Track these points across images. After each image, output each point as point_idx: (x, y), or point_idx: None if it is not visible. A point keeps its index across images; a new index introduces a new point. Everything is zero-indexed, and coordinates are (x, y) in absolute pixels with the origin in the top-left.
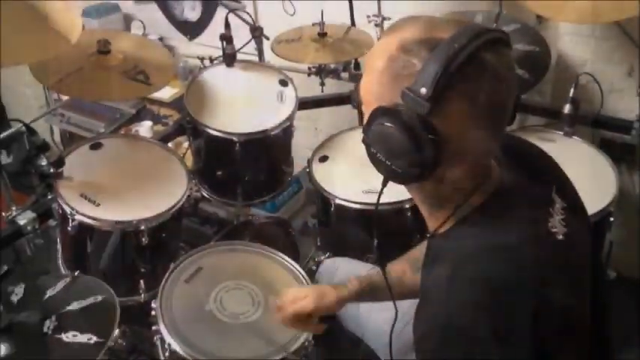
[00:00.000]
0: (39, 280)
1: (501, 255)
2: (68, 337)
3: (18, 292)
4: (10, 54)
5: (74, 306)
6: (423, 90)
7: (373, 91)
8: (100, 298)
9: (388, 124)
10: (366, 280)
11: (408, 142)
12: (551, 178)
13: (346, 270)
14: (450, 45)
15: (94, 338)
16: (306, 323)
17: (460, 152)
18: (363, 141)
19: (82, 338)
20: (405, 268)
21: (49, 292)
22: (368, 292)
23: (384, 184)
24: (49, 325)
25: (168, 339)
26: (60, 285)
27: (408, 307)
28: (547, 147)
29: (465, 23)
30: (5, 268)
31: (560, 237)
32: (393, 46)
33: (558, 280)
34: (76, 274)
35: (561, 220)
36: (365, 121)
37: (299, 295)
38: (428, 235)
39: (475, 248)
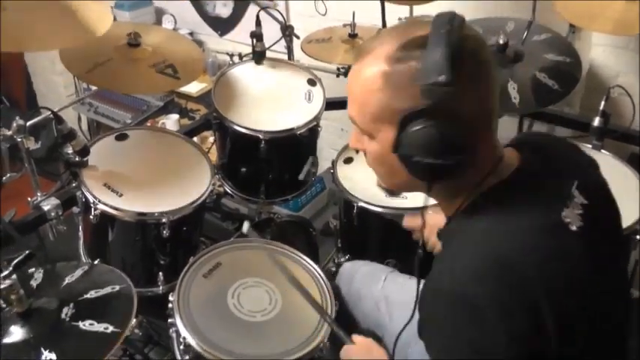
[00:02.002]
0: (57, 266)
1: (509, 237)
2: (85, 325)
3: (37, 277)
4: (35, 39)
5: (91, 294)
6: (442, 78)
7: (377, 112)
8: (117, 287)
9: (427, 124)
10: None
11: (450, 131)
12: (575, 175)
13: (365, 274)
14: (438, 33)
15: (111, 328)
16: None
17: (480, 125)
18: (402, 157)
19: (99, 327)
20: None
21: (67, 280)
22: None
23: (430, 188)
24: (66, 312)
25: (184, 332)
26: (78, 273)
27: None
28: None
29: (427, 18)
30: (27, 252)
31: (574, 228)
32: (380, 64)
33: (560, 271)
34: (95, 262)
35: (578, 214)
36: (382, 140)
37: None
38: (439, 232)
39: (484, 229)
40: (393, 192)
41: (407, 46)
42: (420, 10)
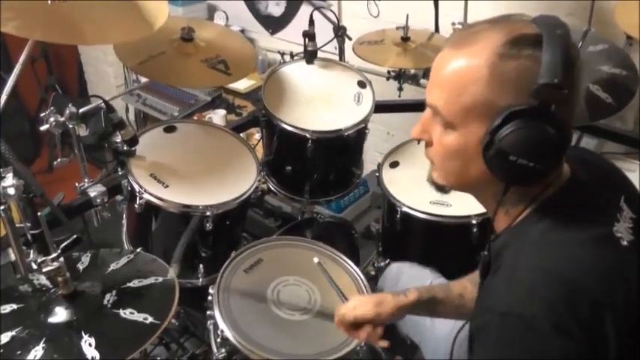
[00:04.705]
0: (103, 252)
1: (565, 250)
2: (125, 313)
3: (84, 261)
4: (96, 33)
5: (135, 283)
6: (557, 80)
7: (472, 104)
8: (160, 279)
9: (530, 124)
10: (427, 291)
11: (550, 134)
12: (621, 188)
13: (411, 276)
14: (553, 33)
15: (150, 319)
16: (364, 331)
17: (570, 134)
18: (490, 154)
19: (139, 317)
20: (467, 284)
21: (112, 266)
22: (426, 304)
23: (506, 191)
24: (109, 298)
25: (222, 325)
26: (123, 260)
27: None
28: None
29: (525, 16)
30: (75, 236)
31: (625, 243)
32: (488, 56)
33: (619, 285)
34: (138, 250)
35: (629, 227)
36: (469, 134)
37: (359, 303)
38: (492, 239)
39: (541, 240)
40: (444, 189)
41: (517, 42)
42: (474, 13)
